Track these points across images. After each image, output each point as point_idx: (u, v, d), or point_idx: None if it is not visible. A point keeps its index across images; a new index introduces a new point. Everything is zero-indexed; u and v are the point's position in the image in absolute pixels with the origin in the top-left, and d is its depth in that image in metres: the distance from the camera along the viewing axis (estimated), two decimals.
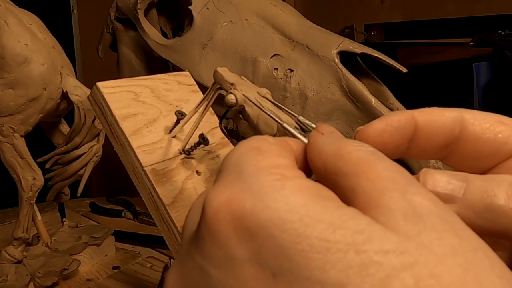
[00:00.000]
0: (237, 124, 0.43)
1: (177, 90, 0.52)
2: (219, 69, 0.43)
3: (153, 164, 0.44)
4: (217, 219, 0.18)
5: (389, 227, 0.17)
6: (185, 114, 0.48)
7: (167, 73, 0.53)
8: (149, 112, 0.47)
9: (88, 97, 0.46)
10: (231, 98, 0.41)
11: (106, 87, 0.45)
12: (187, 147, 0.47)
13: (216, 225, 0.18)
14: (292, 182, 0.18)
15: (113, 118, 0.44)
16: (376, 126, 0.23)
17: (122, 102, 0.45)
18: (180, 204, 0.45)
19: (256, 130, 0.41)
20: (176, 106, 0.50)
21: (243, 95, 0.41)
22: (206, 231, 0.19)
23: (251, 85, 0.43)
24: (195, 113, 0.46)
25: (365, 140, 0.23)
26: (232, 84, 0.41)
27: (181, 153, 0.47)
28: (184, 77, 0.55)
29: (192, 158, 0.48)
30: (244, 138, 0.44)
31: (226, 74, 0.42)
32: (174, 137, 0.48)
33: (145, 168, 0.44)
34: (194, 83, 0.55)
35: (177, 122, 0.48)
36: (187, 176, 0.47)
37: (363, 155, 0.19)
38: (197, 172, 0.48)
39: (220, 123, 0.45)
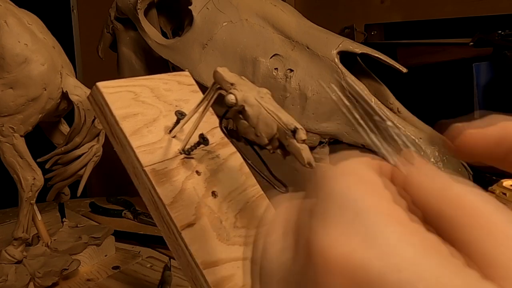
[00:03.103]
0: (237, 124, 0.43)
1: (177, 90, 0.52)
2: (219, 69, 0.43)
3: (153, 164, 0.44)
4: (331, 272, 0.16)
5: None
6: (185, 114, 0.48)
7: (167, 73, 0.53)
8: (149, 112, 0.47)
9: (88, 97, 0.46)
10: (231, 98, 0.41)
11: (106, 87, 0.45)
12: (187, 147, 0.47)
13: (329, 279, 0.16)
14: (417, 237, 0.16)
15: (113, 118, 0.44)
16: (490, 132, 0.21)
17: (122, 102, 0.45)
18: (180, 204, 0.45)
19: (256, 130, 0.41)
20: (176, 106, 0.50)
21: (243, 95, 0.41)
22: (314, 280, 0.17)
23: (251, 85, 0.43)
24: (195, 113, 0.46)
25: (468, 141, 0.21)
26: (232, 84, 0.41)
27: (181, 153, 0.47)
28: (184, 77, 0.55)
29: (192, 158, 0.48)
30: (244, 138, 0.44)
31: (226, 74, 0.42)
32: (174, 137, 0.48)
33: (145, 168, 0.44)
34: (194, 83, 0.55)
35: (177, 122, 0.48)
36: (187, 176, 0.47)
37: (477, 203, 0.17)
38: (197, 172, 0.48)
39: (220, 123, 0.45)
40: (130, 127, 0.45)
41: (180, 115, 0.48)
